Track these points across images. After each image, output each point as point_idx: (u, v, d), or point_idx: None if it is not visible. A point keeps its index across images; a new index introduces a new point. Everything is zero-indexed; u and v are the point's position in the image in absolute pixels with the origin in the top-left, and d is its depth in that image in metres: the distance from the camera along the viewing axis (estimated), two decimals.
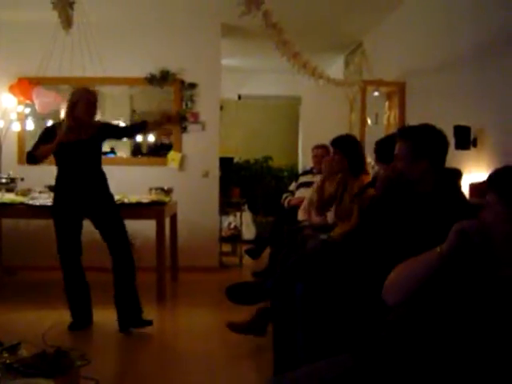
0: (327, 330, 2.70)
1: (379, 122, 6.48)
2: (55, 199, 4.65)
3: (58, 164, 4.64)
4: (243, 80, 10.15)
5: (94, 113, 4.58)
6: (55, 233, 4.57)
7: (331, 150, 4.87)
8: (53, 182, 5.84)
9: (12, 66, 6.71)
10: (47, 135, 4.56)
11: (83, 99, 4.50)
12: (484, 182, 1.92)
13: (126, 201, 5.38)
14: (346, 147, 4.54)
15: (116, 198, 5.39)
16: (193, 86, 6.96)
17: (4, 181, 5.91)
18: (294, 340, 3.00)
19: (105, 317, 4.67)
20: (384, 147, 3.54)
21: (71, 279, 4.61)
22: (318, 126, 8.79)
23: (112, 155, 7.34)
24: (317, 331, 2.77)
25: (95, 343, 4.25)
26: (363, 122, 6.09)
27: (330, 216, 4.97)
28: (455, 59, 4.68)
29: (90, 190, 4.59)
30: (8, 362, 2.62)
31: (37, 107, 6.74)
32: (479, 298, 1.76)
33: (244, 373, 3.73)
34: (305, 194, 5.93)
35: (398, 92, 5.87)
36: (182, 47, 6.94)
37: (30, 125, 6.87)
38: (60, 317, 4.71)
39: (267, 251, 6.58)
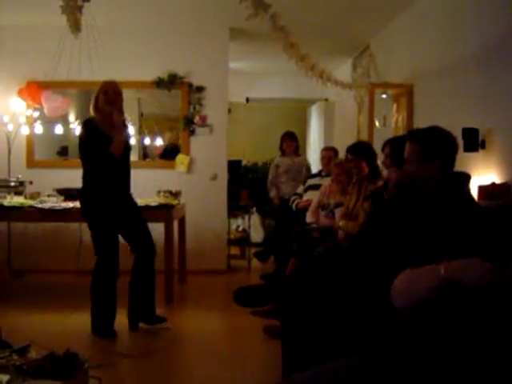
0: (336, 331, 2.70)
1: (387, 125, 6.48)
2: (102, 202, 4.47)
3: (98, 166, 4.48)
4: (251, 83, 10.16)
5: (113, 102, 4.42)
6: (99, 237, 4.46)
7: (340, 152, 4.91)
8: (60, 186, 5.91)
9: (21, 70, 6.75)
10: (99, 135, 4.41)
11: (101, 90, 4.45)
12: None
13: None
14: (361, 153, 4.59)
15: None
16: (200, 89, 6.97)
17: (13, 184, 5.94)
18: (302, 341, 2.99)
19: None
20: (396, 149, 3.55)
21: (112, 284, 4.47)
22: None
23: None
24: (325, 332, 2.77)
25: (100, 343, 4.25)
26: (371, 125, 6.09)
27: (338, 218, 4.98)
28: (463, 61, 4.67)
29: (126, 195, 4.65)
30: (18, 363, 2.63)
31: (45, 111, 6.77)
32: (485, 301, 1.75)
33: (251, 374, 3.73)
34: (313, 196, 5.94)
35: (406, 94, 5.86)
36: (189, 50, 6.96)
37: (39, 128, 6.90)
38: (69, 319, 4.74)
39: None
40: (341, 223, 4.48)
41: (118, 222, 4.52)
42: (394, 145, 3.74)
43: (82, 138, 4.49)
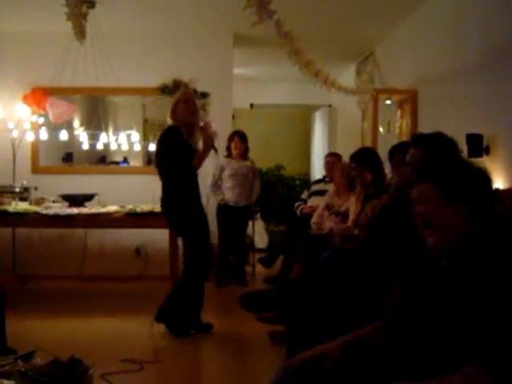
0: (338, 333, 2.70)
1: (391, 130, 6.47)
2: (196, 207, 4.65)
3: (185, 172, 4.57)
4: (255, 89, 10.17)
5: (194, 112, 4.60)
6: (197, 241, 4.61)
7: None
8: (65, 192, 5.92)
9: (26, 76, 6.76)
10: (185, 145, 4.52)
11: (182, 99, 4.56)
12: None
13: (138, 210, 5.39)
14: (364, 161, 4.55)
15: (128, 207, 5.43)
16: (205, 95, 6.98)
17: (18, 190, 5.94)
18: (307, 347, 2.99)
19: (111, 324, 4.67)
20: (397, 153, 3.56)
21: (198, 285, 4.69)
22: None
23: (125, 164, 7.35)
24: (329, 338, 2.77)
25: (103, 349, 4.24)
26: (375, 131, 6.09)
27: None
28: (467, 67, 4.67)
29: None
30: (22, 370, 2.64)
31: (50, 117, 6.78)
32: None
33: (256, 379, 3.71)
34: (317, 202, 5.94)
35: (410, 100, 5.87)
36: (194, 57, 6.97)
37: (44, 135, 6.90)
38: (73, 325, 4.74)
39: (280, 260, 6.57)
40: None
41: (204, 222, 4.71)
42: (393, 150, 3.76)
43: (165, 146, 4.50)
